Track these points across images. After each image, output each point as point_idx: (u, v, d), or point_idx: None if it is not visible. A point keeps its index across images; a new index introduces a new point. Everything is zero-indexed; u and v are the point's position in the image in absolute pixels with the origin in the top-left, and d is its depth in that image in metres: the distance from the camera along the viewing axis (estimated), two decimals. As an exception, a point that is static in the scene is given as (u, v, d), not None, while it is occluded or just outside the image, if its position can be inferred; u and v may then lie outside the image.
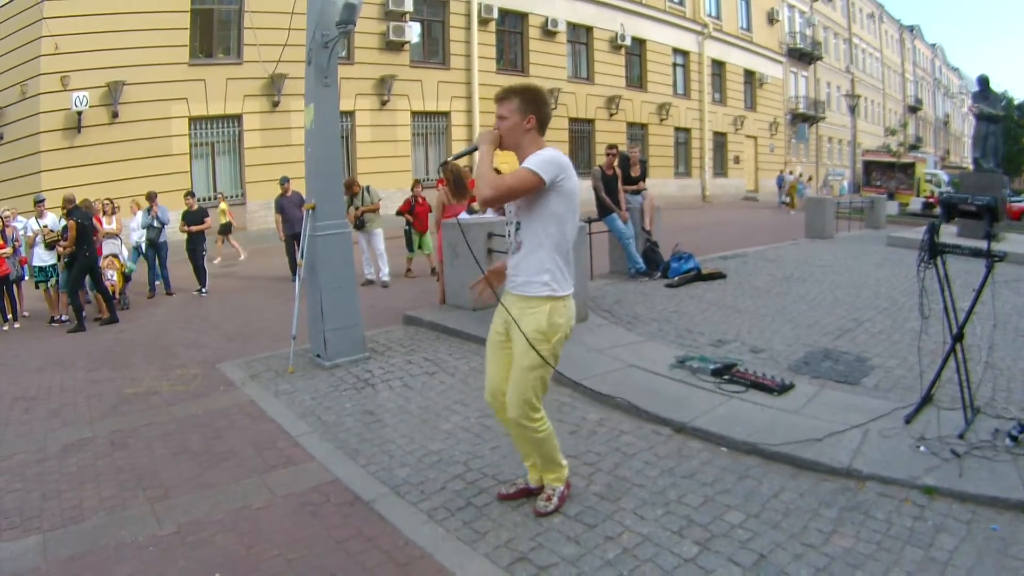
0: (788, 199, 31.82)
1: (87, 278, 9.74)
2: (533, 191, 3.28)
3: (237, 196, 18.65)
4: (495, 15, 23.78)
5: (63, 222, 9.62)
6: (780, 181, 35.10)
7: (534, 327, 3.38)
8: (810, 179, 38.66)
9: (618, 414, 5.28)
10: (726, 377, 5.83)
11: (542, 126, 3.48)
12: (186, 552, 3.60)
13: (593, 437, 4.86)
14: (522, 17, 25.54)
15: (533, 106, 3.44)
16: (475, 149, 3.46)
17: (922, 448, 4.34)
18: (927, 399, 4.97)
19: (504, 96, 3.46)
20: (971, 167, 17.46)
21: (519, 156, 3.48)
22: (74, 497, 4.30)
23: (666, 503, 3.89)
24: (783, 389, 5.51)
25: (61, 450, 5.08)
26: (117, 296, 10.50)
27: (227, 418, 5.63)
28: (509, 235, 3.50)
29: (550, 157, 3.32)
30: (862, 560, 3.29)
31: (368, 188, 11.95)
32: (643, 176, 11.50)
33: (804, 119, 44.79)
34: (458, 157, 3.77)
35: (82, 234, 9.34)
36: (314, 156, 6.84)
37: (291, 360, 6.83)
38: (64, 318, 9.97)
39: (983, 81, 15.37)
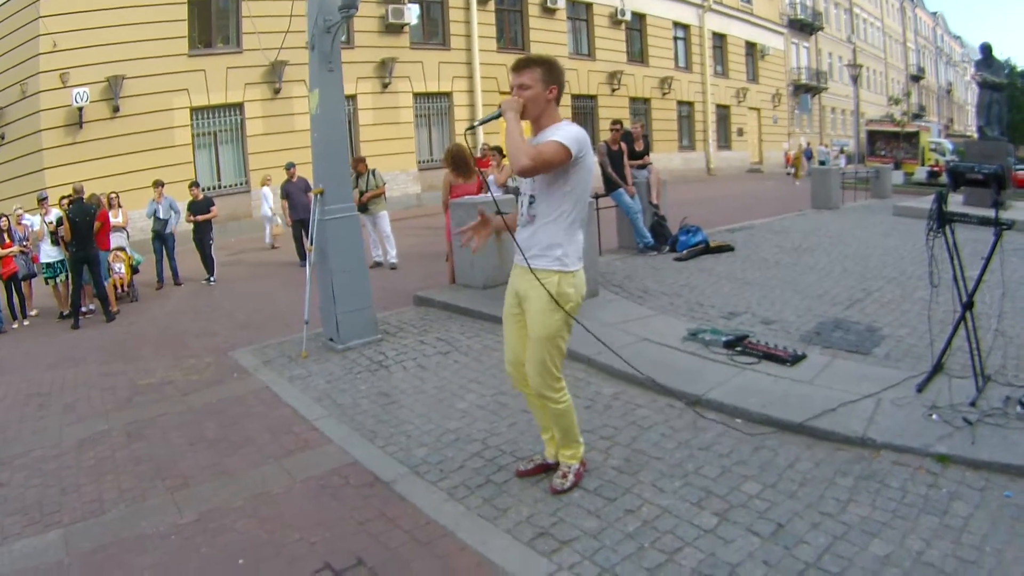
0: (792, 169, 31.74)
1: (88, 274, 9.68)
2: (561, 165, 3.29)
3: (241, 184, 18.64)
4: (494, -7, 23.68)
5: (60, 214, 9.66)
6: (808, 153, 35.07)
7: (546, 296, 3.41)
8: (842, 150, 38.33)
9: (632, 388, 5.31)
10: (738, 349, 5.85)
11: (559, 99, 3.49)
12: (208, 540, 3.63)
13: (608, 411, 4.89)
14: (521, -5, 25.38)
15: (555, 76, 3.44)
16: (499, 115, 3.41)
17: (934, 416, 4.35)
18: (938, 368, 4.98)
19: (526, 65, 3.44)
20: (975, 135, 17.35)
21: (536, 126, 3.48)
22: (93, 490, 4.33)
23: (684, 475, 3.92)
24: (795, 360, 5.52)
25: (78, 444, 5.12)
26: (125, 288, 10.54)
27: (242, 405, 5.67)
28: (522, 206, 3.50)
29: (578, 133, 3.33)
30: (879, 528, 3.31)
31: (374, 171, 11.93)
32: (647, 151, 11.48)
33: (806, 90, 44.48)
34: (484, 122, 3.71)
35: (73, 230, 9.32)
36: (320, 141, 6.83)
37: (304, 345, 6.85)
38: (91, 307, 10.03)
39: (986, 49, 15.23)
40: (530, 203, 3.45)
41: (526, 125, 3.40)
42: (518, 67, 3.45)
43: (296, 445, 4.77)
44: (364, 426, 4.97)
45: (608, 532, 3.39)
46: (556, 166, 3.28)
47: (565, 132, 3.30)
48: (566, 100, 26.05)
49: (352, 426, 4.99)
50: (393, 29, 21.12)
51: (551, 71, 3.43)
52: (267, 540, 3.57)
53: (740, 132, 37.98)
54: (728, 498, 3.65)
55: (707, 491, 3.73)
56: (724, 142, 36.99)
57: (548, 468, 3.97)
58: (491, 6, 24.06)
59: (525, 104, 3.38)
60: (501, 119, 3.41)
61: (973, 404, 4.46)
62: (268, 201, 16.00)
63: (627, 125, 11.42)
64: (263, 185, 16.19)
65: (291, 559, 3.38)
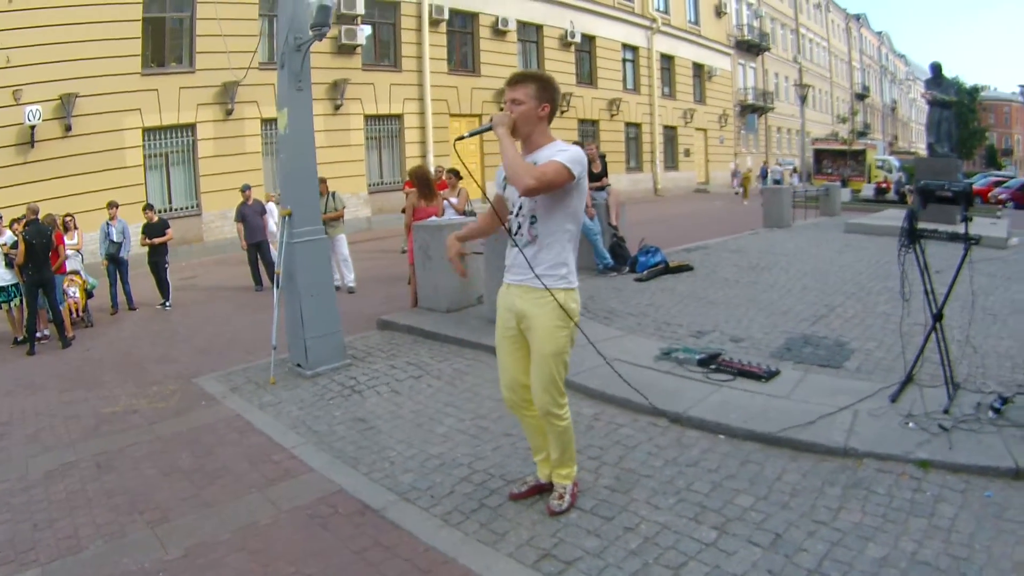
0: (741, 189, 32.38)
1: (43, 298, 9.36)
2: (562, 187, 3.30)
3: (192, 207, 18.28)
4: (446, 16, 23.69)
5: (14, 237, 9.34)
6: (764, 171, 35.88)
7: (554, 315, 3.41)
8: (795, 169, 39.31)
9: (612, 407, 5.33)
10: (713, 367, 5.90)
11: (551, 117, 3.49)
12: (199, 576, 3.50)
13: (592, 431, 4.89)
14: (472, 17, 25.45)
15: (549, 94, 3.45)
16: (488, 128, 3.40)
17: (911, 424, 4.51)
18: (909, 378, 5.13)
19: (520, 80, 3.44)
20: (924, 152, 17.94)
21: (528, 144, 3.48)
22: (68, 525, 4.12)
23: (676, 491, 3.95)
24: (770, 375, 5.61)
25: (45, 476, 4.89)
26: (80, 314, 10.23)
27: (214, 433, 5.51)
28: (520, 227, 3.47)
29: (579, 154, 3.34)
30: (872, 532, 3.43)
31: (334, 194, 11.84)
32: (604, 172, 11.58)
33: (753, 110, 45.52)
34: (474, 134, 3.66)
35: (29, 251, 9.02)
36: (289, 161, 6.73)
37: (272, 371, 6.71)
38: (46, 332, 9.68)
39: (936, 68, 15.77)
40: (531, 223, 3.43)
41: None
42: (512, 82, 3.46)
43: (277, 474, 4.65)
44: (344, 453, 4.88)
45: (611, 550, 3.39)
46: (558, 187, 3.29)
47: (568, 154, 3.31)
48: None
49: (332, 453, 4.89)
50: (345, 50, 21.03)
51: (545, 88, 3.44)
52: (261, 574, 3.45)
53: (687, 153, 38.60)
54: (723, 512, 3.69)
55: (702, 506, 3.77)
56: (671, 163, 37.52)
57: (542, 489, 3.95)
58: (442, 28, 24.12)
59: (516, 120, 3.38)
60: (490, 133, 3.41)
61: (946, 411, 4.64)
62: (274, 217, 15.40)
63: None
64: (268, 201, 15.51)
65: (289, 592, 3.29)
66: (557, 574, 3.23)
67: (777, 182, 31.04)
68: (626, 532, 3.54)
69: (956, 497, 3.71)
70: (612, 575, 3.19)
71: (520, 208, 3.47)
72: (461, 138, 3.62)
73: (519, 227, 3.47)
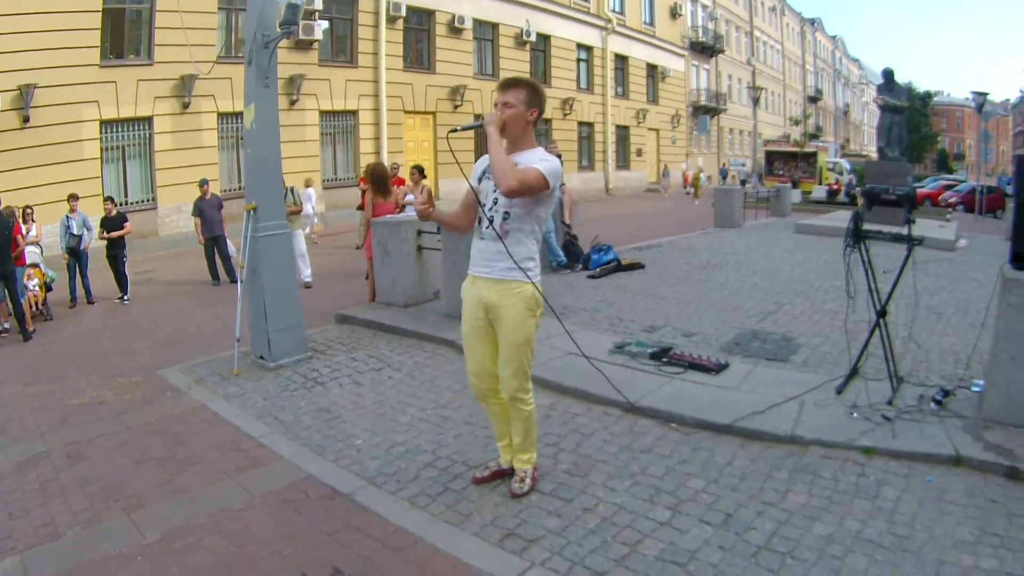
0: (692, 189, 32.97)
1: (3, 291, 9.27)
2: (537, 193, 3.52)
3: (148, 200, 18.04)
4: (403, 12, 23.70)
5: None
6: (724, 173, 36.46)
7: (523, 306, 3.65)
8: (755, 171, 40.17)
9: (567, 398, 5.55)
10: (664, 360, 6.14)
11: (536, 122, 3.72)
12: (177, 559, 3.59)
13: (548, 420, 5.10)
14: (429, 14, 25.48)
15: (538, 100, 3.68)
16: (479, 126, 3.62)
17: (855, 415, 4.79)
18: (854, 371, 5.42)
19: (513, 84, 3.67)
20: (875, 156, 18.47)
21: (513, 146, 3.69)
22: (44, 514, 4.18)
23: (631, 475, 4.18)
24: (720, 368, 5.87)
25: (17, 467, 4.92)
26: (40, 307, 10.13)
27: (182, 423, 5.59)
28: (491, 221, 3.64)
29: (557, 167, 3.57)
30: (818, 513, 3.68)
31: (292, 189, 11.85)
32: (560, 171, 11.79)
33: (706, 111, 46.19)
34: (465, 129, 3.88)
35: None
36: (255, 156, 6.82)
37: (236, 362, 6.81)
38: (6, 326, 9.52)
39: (888, 74, 16.29)
40: (504, 218, 3.62)
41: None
42: (505, 86, 3.67)
43: (247, 462, 4.77)
44: (311, 441, 5.02)
45: (571, 529, 3.60)
46: (534, 193, 3.51)
47: (548, 165, 3.53)
48: (469, 120, 26.38)
49: (300, 442, 5.02)
50: (302, 45, 20.93)
51: (535, 94, 3.68)
52: (238, 555, 3.58)
53: (639, 152, 38.99)
54: (676, 494, 3.93)
55: (656, 488, 4.00)
56: (623, 162, 37.88)
57: (503, 474, 4.15)
58: (399, 25, 24.11)
59: (505, 121, 3.59)
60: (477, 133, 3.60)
61: (890, 403, 4.93)
62: (311, 201, 17.14)
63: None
64: (307, 187, 17.24)
65: (267, 573, 3.41)
66: (522, 551, 3.43)
67: (744, 182, 31.71)
68: (585, 512, 3.76)
69: (899, 481, 3.98)
70: (573, 552, 3.40)
71: (495, 203, 3.65)
72: (454, 131, 3.81)
73: (491, 221, 3.65)
